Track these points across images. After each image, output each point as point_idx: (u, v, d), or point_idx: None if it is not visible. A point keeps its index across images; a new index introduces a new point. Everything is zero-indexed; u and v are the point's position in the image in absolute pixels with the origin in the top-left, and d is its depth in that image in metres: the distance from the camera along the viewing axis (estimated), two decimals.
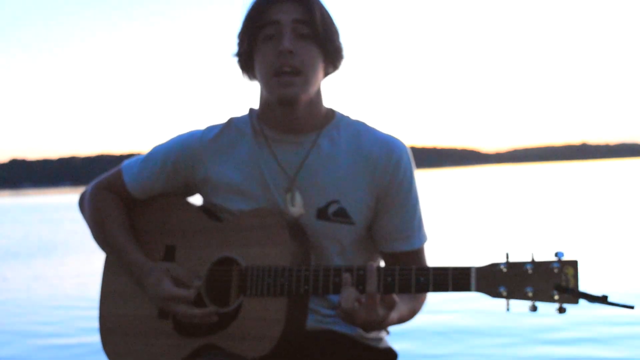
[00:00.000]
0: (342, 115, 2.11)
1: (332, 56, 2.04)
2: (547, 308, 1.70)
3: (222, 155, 2.10)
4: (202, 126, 2.16)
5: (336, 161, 2.03)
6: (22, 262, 13.08)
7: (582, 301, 1.66)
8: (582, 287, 1.67)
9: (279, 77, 1.96)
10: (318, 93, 2.05)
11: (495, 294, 1.72)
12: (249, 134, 2.10)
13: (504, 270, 1.73)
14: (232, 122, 2.14)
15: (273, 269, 1.92)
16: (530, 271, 1.70)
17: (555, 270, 1.68)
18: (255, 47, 2.00)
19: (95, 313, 2.23)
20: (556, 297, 1.67)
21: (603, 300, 1.63)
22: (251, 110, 2.15)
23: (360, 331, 2.07)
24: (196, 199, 2.19)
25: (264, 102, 2.08)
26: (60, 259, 13.23)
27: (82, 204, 2.26)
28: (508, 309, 1.71)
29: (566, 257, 1.69)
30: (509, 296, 1.71)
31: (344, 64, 2.09)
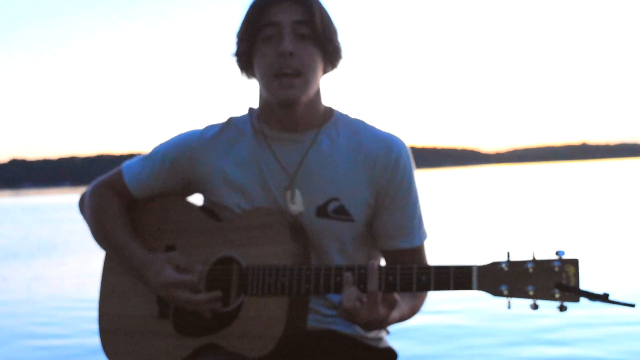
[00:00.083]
0: (341, 114, 2.12)
1: (331, 56, 2.04)
2: (548, 306, 1.70)
3: (222, 153, 2.10)
4: (201, 126, 2.17)
5: (335, 159, 2.04)
6: (22, 262, 13.08)
7: (582, 299, 1.66)
8: (583, 285, 1.67)
9: (279, 79, 1.96)
10: (317, 92, 2.06)
11: (496, 292, 1.72)
12: (248, 132, 2.10)
13: (505, 268, 1.73)
14: (232, 121, 2.14)
15: (274, 268, 1.92)
16: (531, 270, 1.70)
17: (556, 269, 1.68)
18: (254, 47, 2.01)
19: (95, 313, 2.23)
20: (557, 296, 1.67)
21: (604, 298, 1.63)
22: (251, 109, 2.15)
23: (360, 331, 2.07)
24: (196, 199, 2.20)
25: (263, 101, 2.08)
26: (60, 259, 13.22)
27: (82, 204, 2.27)
28: (509, 308, 1.71)
29: (567, 256, 1.69)
30: (510, 295, 1.71)
31: (342, 63, 2.09)
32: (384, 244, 2.07)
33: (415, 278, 1.80)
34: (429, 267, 1.80)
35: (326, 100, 2.12)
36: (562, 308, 1.67)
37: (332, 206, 2.02)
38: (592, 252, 9.95)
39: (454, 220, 17.08)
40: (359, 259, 2.08)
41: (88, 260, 12.24)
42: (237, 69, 2.09)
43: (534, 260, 1.71)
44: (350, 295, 1.80)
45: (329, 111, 2.11)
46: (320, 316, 2.05)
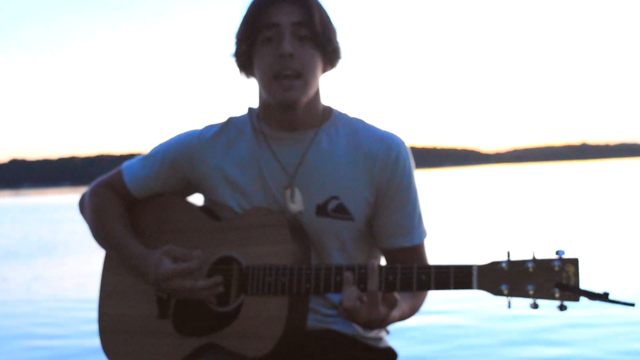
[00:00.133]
0: (340, 113, 2.12)
1: (330, 56, 2.05)
2: (548, 306, 1.70)
3: (222, 153, 2.10)
4: (201, 126, 2.17)
5: (335, 158, 2.04)
6: (22, 262, 13.08)
7: (582, 299, 1.66)
8: (583, 285, 1.67)
9: (280, 80, 1.96)
10: (316, 91, 2.06)
11: (496, 291, 1.72)
12: (248, 132, 2.10)
13: (506, 268, 1.73)
14: (232, 121, 2.15)
15: (274, 268, 1.92)
16: (531, 269, 1.70)
17: (556, 268, 1.68)
18: (254, 48, 2.01)
19: (95, 313, 2.23)
20: (557, 295, 1.67)
21: (604, 297, 1.63)
22: (250, 109, 2.16)
23: (360, 330, 2.07)
24: (196, 199, 2.20)
25: (263, 101, 2.08)
26: (60, 259, 13.23)
27: (82, 204, 2.27)
28: (509, 307, 1.71)
29: (567, 255, 1.69)
30: (510, 294, 1.71)
31: (342, 63, 2.09)
32: (384, 242, 2.07)
33: (416, 277, 1.80)
34: (429, 267, 1.80)
35: (326, 100, 2.13)
36: (562, 307, 1.67)
37: (332, 205, 2.02)
38: (592, 252, 9.96)
39: (454, 220, 17.09)
40: (359, 258, 2.08)
41: (88, 260, 12.25)
42: (237, 69, 2.10)
43: (534, 260, 1.71)
44: (350, 294, 1.80)
45: (328, 110, 2.11)
46: (320, 316, 2.05)
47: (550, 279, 1.68)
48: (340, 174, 2.03)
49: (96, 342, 2.21)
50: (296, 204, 2.02)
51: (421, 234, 2.08)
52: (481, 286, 1.74)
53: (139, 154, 2.22)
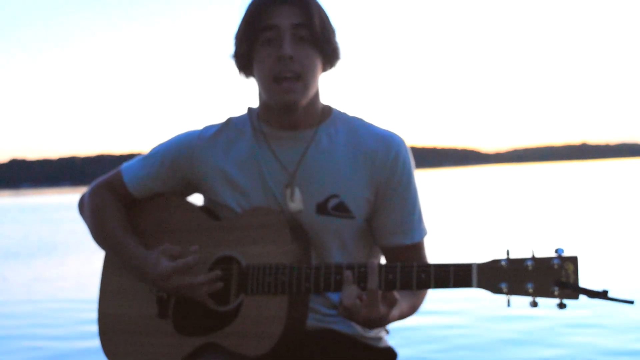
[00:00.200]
0: (339, 112, 2.12)
1: (329, 57, 2.05)
2: (547, 304, 1.70)
3: (221, 153, 2.10)
4: (201, 126, 2.17)
5: (335, 156, 2.04)
6: (22, 262, 13.08)
7: (582, 297, 1.66)
8: (583, 283, 1.67)
9: (280, 83, 1.97)
10: (316, 91, 2.06)
11: (496, 290, 1.73)
12: (248, 132, 2.11)
13: (505, 266, 1.73)
14: (231, 121, 2.15)
15: (274, 267, 1.92)
16: (530, 267, 1.70)
17: (556, 266, 1.68)
18: (254, 49, 2.01)
19: (94, 314, 2.23)
20: (556, 293, 1.67)
21: (603, 295, 1.63)
22: (250, 109, 2.16)
23: (360, 330, 2.07)
24: (196, 199, 2.20)
25: (263, 102, 2.09)
26: (60, 259, 13.23)
27: (81, 205, 2.27)
28: (509, 305, 1.71)
29: (566, 254, 1.69)
30: (509, 292, 1.71)
31: (342, 62, 2.09)
32: (383, 240, 2.07)
33: (415, 276, 1.80)
34: (429, 265, 1.80)
35: (326, 100, 2.13)
36: (562, 305, 1.67)
37: (332, 203, 2.02)
38: (591, 250, 9.98)
39: (454, 220, 17.09)
40: (360, 256, 2.08)
41: (88, 260, 12.25)
42: (236, 69, 2.10)
43: (533, 258, 1.71)
44: (350, 293, 1.80)
45: (328, 109, 2.12)
46: (320, 315, 2.05)
47: (550, 277, 1.68)
48: (340, 172, 2.03)
49: (96, 342, 2.21)
50: (296, 203, 2.02)
51: (421, 232, 2.08)
52: (481, 284, 1.74)
53: (139, 154, 2.22)
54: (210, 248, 2.04)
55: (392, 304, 1.82)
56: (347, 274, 1.83)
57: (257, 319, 1.92)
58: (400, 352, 2.17)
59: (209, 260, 2.03)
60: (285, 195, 2.03)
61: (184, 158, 2.12)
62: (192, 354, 2.01)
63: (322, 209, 2.02)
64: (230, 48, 2.07)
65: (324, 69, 2.06)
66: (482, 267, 1.75)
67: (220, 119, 2.17)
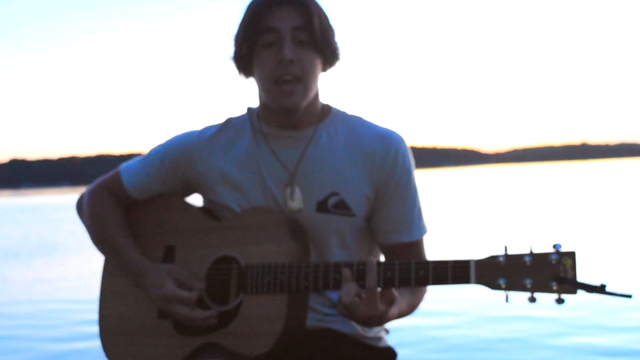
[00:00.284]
0: (339, 111, 2.13)
1: (329, 58, 2.05)
2: (545, 299, 1.70)
3: (220, 152, 2.10)
4: (200, 126, 2.17)
5: (334, 154, 2.04)
6: (22, 262, 13.08)
7: (580, 291, 1.66)
8: (581, 278, 1.67)
9: (280, 86, 1.97)
10: (315, 91, 2.06)
11: (494, 286, 1.73)
12: (247, 132, 2.11)
13: (503, 262, 1.73)
14: (230, 121, 2.15)
15: (273, 267, 1.92)
16: (528, 263, 1.70)
17: (554, 262, 1.68)
18: (254, 52, 2.01)
19: (95, 314, 2.23)
20: (555, 288, 1.67)
21: (601, 290, 1.63)
22: (249, 109, 2.16)
23: (360, 330, 2.07)
24: (195, 199, 2.20)
25: (262, 102, 2.09)
26: (60, 259, 13.23)
27: (80, 207, 2.27)
28: (507, 301, 1.71)
29: (564, 249, 1.69)
30: (508, 288, 1.71)
31: (342, 62, 2.10)
32: (383, 238, 2.07)
33: (414, 273, 1.80)
34: (427, 262, 1.80)
35: (326, 99, 2.13)
36: (560, 300, 1.67)
37: (332, 201, 2.02)
38: (590, 246, 9.99)
39: (454, 219, 17.07)
40: (361, 255, 2.08)
41: (88, 260, 12.25)
42: (236, 70, 2.09)
43: (531, 254, 1.71)
44: (349, 290, 1.81)
45: (327, 108, 2.12)
46: (320, 315, 2.05)
47: (548, 273, 1.68)
48: (340, 170, 2.03)
49: (96, 343, 2.21)
50: (296, 202, 2.02)
51: (421, 229, 2.09)
52: (479, 281, 1.74)
53: (139, 154, 2.22)
54: (209, 248, 2.04)
55: (390, 301, 1.82)
56: (346, 271, 1.83)
57: (257, 318, 1.92)
58: (400, 352, 2.17)
59: (208, 260, 2.03)
60: (286, 194, 2.03)
61: (183, 159, 2.12)
62: (192, 354, 2.01)
63: (322, 207, 2.02)
64: (230, 49, 2.07)
65: (324, 69, 2.07)
66: (480, 263, 1.75)
67: (219, 119, 2.18)
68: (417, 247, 2.08)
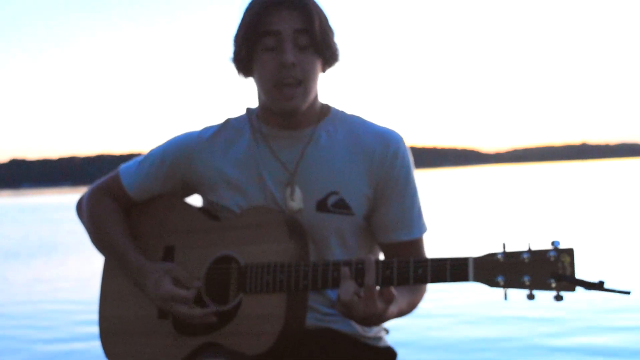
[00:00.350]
0: (338, 110, 2.13)
1: (329, 59, 2.05)
2: (544, 296, 1.70)
3: (219, 153, 2.10)
4: (200, 127, 2.17)
5: (334, 153, 2.04)
6: (22, 262, 13.08)
7: (578, 288, 1.66)
8: (579, 275, 1.67)
9: (280, 89, 1.97)
10: (315, 92, 2.06)
11: (493, 283, 1.72)
12: (246, 132, 2.11)
13: (501, 259, 1.73)
14: (230, 122, 2.15)
15: (272, 266, 1.92)
16: (527, 260, 1.70)
17: (552, 259, 1.68)
18: (254, 54, 2.01)
19: (95, 314, 2.23)
20: (553, 285, 1.67)
21: (599, 286, 1.63)
22: (249, 109, 2.16)
23: (359, 329, 2.07)
24: (194, 200, 2.20)
25: (262, 103, 2.09)
26: (60, 259, 13.23)
27: (79, 208, 2.27)
28: (506, 299, 1.71)
29: (562, 246, 1.69)
30: (506, 285, 1.71)
31: (341, 63, 2.10)
32: (383, 237, 2.07)
33: (412, 271, 1.79)
34: (426, 260, 1.80)
35: (326, 100, 2.13)
36: (558, 298, 1.67)
37: (332, 200, 2.02)
38: (588, 243, 10.00)
39: (454, 219, 17.08)
40: (361, 253, 2.07)
41: (88, 261, 12.25)
42: (235, 71, 2.09)
43: (529, 251, 1.71)
44: (347, 289, 1.80)
45: (326, 108, 2.12)
46: (320, 315, 2.05)
47: (546, 270, 1.68)
48: (339, 169, 2.03)
49: (96, 343, 2.21)
50: (296, 202, 2.02)
51: (420, 228, 2.08)
52: (477, 278, 1.74)
53: (139, 154, 2.22)
54: (209, 248, 2.04)
55: (389, 300, 1.82)
56: (344, 270, 1.83)
57: (257, 317, 1.92)
58: (400, 352, 2.17)
59: (207, 260, 2.03)
60: (286, 194, 2.03)
61: (182, 159, 2.12)
62: (192, 354, 2.01)
63: (322, 206, 2.02)
64: (230, 50, 2.07)
65: (323, 70, 2.07)
66: (478, 260, 1.75)
67: (219, 119, 2.17)
68: (417, 245, 2.08)
